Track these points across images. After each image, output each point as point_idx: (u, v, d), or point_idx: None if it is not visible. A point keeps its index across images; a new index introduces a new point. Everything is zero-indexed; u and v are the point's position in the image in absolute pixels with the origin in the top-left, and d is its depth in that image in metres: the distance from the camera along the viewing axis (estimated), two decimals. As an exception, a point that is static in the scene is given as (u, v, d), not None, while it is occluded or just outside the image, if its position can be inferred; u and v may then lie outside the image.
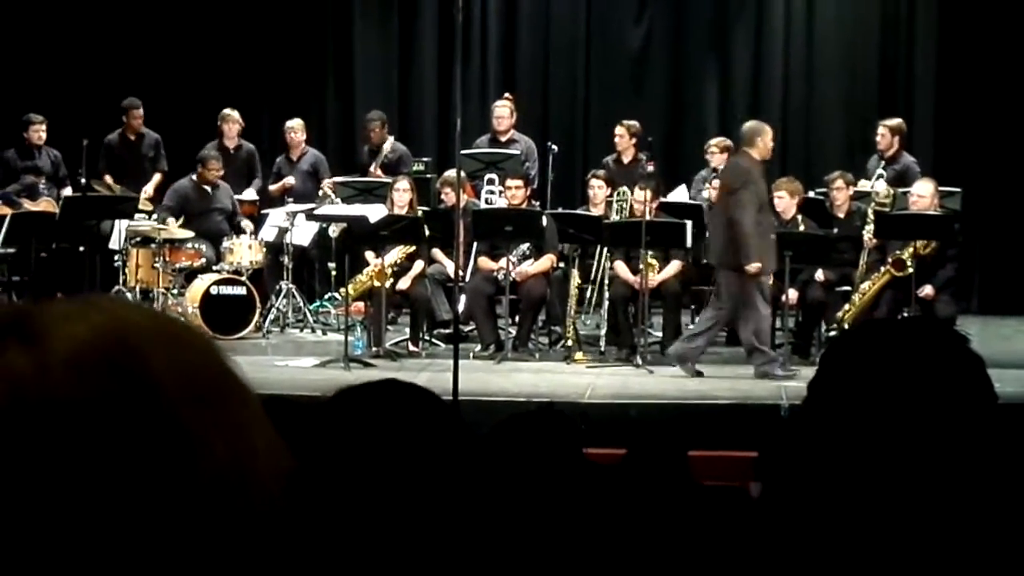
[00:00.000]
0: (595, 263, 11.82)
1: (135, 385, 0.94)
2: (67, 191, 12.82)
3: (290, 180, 13.34)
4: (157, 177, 13.50)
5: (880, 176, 12.29)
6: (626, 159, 12.77)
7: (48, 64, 14.63)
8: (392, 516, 1.88)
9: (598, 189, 12.01)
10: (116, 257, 12.14)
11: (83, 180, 12.78)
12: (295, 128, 13.64)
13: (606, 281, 11.37)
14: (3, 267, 12.15)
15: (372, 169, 13.12)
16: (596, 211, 11.85)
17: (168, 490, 0.93)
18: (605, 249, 11.56)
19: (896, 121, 12.80)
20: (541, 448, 3.13)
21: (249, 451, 0.98)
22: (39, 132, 13.23)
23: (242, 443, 0.98)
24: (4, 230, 11.65)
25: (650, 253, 10.98)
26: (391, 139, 13.56)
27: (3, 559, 0.88)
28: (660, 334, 11.39)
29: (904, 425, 1.68)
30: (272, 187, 13.49)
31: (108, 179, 13.44)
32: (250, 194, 13.40)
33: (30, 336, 0.94)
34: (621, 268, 11.19)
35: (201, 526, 0.93)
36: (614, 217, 11.77)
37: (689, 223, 11.07)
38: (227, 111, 13.56)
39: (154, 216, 12.43)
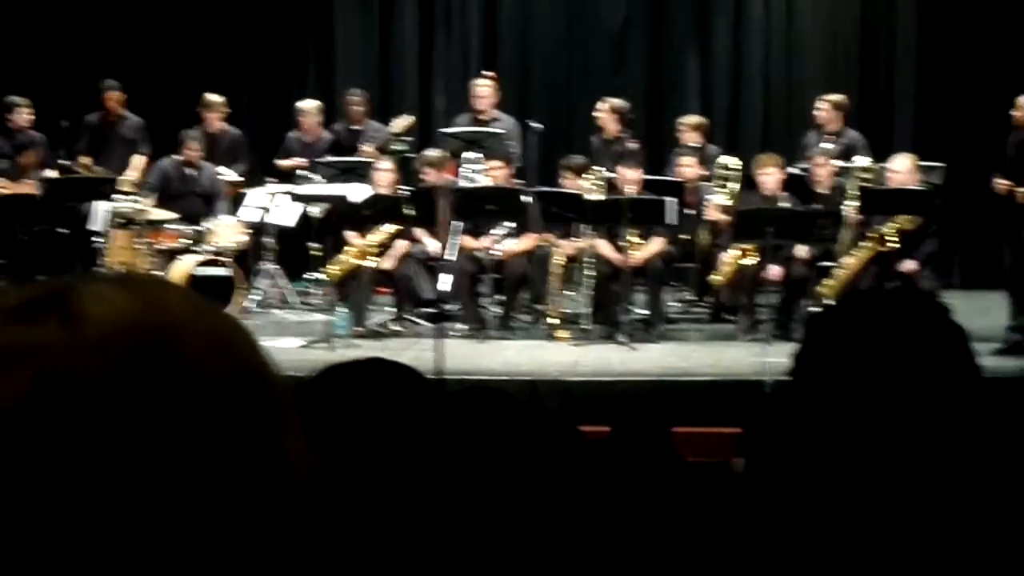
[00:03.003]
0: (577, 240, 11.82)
1: (166, 370, 0.92)
2: (52, 173, 12.76)
3: (302, 160, 13.21)
4: (141, 160, 13.41)
5: (824, 152, 12.23)
6: (607, 136, 12.76)
7: (28, 46, 14.57)
8: (379, 495, 1.88)
9: (568, 181, 11.97)
10: (96, 238, 12.10)
11: (60, 162, 12.77)
12: (308, 111, 13.52)
13: (589, 259, 11.37)
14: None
15: (366, 149, 13.03)
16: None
17: (191, 481, 0.91)
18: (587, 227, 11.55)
19: (839, 97, 12.84)
20: (528, 422, 3.13)
21: (282, 449, 0.96)
22: (23, 115, 13.17)
23: (275, 440, 0.96)
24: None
25: (632, 231, 11.00)
26: (368, 119, 13.54)
27: (15, 530, 0.88)
28: (643, 311, 11.40)
29: (888, 396, 1.68)
30: (281, 162, 13.40)
31: (86, 160, 13.38)
32: (233, 176, 13.33)
33: (66, 312, 0.92)
34: (603, 246, 11.19)
35: (226, 525, 0.92)
36: (593, 196, 11.72)
37: (672, 200, 11.06)
38: (208, 96, 13.47)
39: (134, 196, 12.38)
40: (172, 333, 0.94)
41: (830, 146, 12.24)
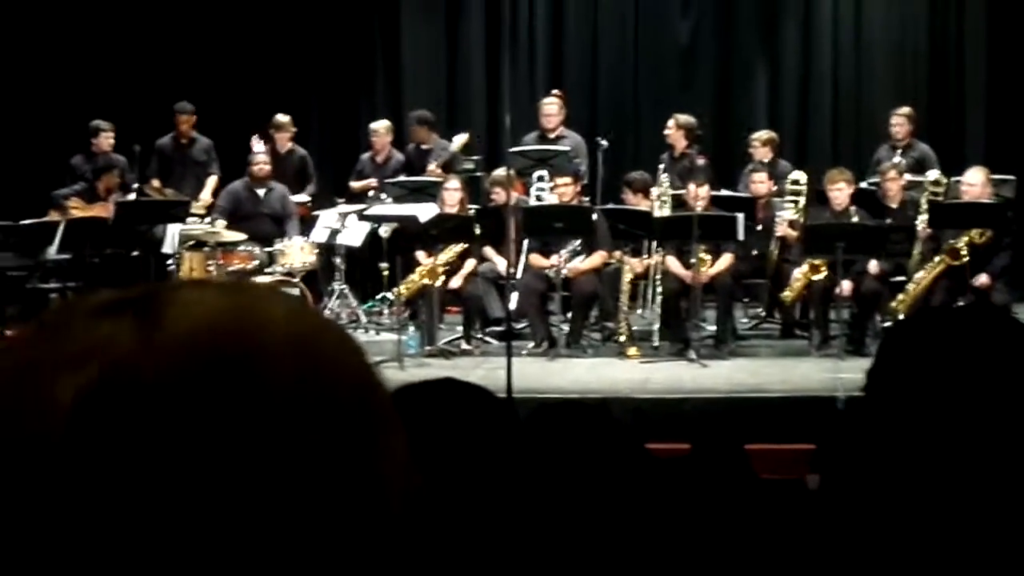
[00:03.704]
0: (647, 258, 11.79)
1: (244, 377, 0.89)
2: (131, 196, 12.90)
3: (372, 181, 13.30)
4: (212, 181, 13.57)
5: (895, 166, 12.17)
6: (676, 152, 12.74)
7: (103, 70, 14.74)
8: (454, 515, 1.88)
9: (629, 197, 11.97)
10: (169, 261, 12.21)
11: (134, 185, 12.91)
12: (378, 131, 13.61)
13: (658, 276, 11.35)
14: (57, 273, 12.22)
15: (432, 168, 13.07)
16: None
17: (259, 493, 0.88)
18: (656, 244, 11.52)
19: (909, 109, 12.80)
20: (599, 442, 3.13)
21: (378, 462, 0.93)
22: (108, 139, 13.39)
23: (370, 453, 0.93)
24: (59, 237, 11.76)
25: (701, 247, 10.97)
26: (435, 137, 13.56)
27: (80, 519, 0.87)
28: (713, 328, 11.36)
29: (964, 413, 1.67)
30: (355, 184, 13.48)
31: (156, 183, 13.53)
32: (303, 197, 13.42)
33: (147, 313, 0.90)
34: (672, 263, 11.16)
35: (303, 541, 0.89)
36: (658, 213, 11.68)
37: (741, 216, 11.03)
38: (278, 117, 13.60)
39: (207, 219, 12.50)
40: (258, 340, 0.91)
41: (900, 160, 12.18)
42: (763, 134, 13.01)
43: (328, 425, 0.91)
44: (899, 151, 12.57)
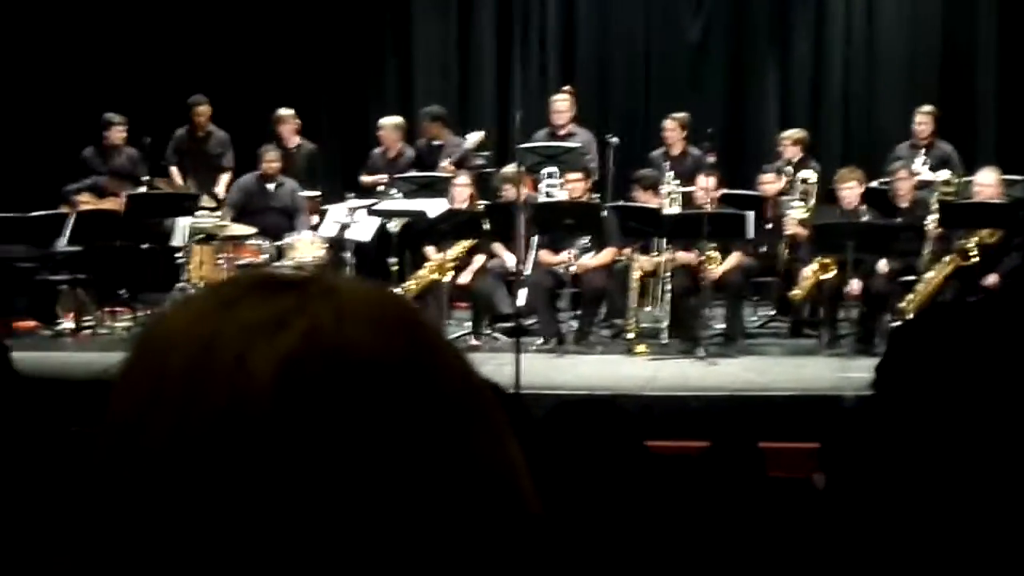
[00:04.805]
0: (656, 255, 11.78)
1: (428, 356, 0.93)
2: (142, 190, 12.90)
3: (383, 176, 13.26)
4: (226, 176, 13.56)
5: (925, 164, 12.18)
6: (675, 151, 12.70)
7: (114, 63, 14.74)
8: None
9: (639, 194, 11.96)
10: (178, 254, 12.21)
11: (144, 178, 12.93)
12: (386, 126, 13.56)
13: (667, 273, 11.33)
14: (67, 265, 12.23)
15: (444, 165, 13.01)
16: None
17: (437, 480, 0.91)
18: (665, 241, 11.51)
19: (932, 108, 12.76)
20: (602, 438, 3.12)
21: (513, 464, 0.96)
22: (119, 132, 13.35)
23: (507, 460, 0.96)
24: (69, 229, 11.77)
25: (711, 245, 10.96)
26: (448, 134, 13.54)
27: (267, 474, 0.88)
28: (722, 326, 11.35)
29: (974, 411, 1.66)
30: (365, 179, 13.44)
31: (175, 171, 13.53)
32: (312, 193, 13.39)
33: (328, 291, 0.94)
34: (683, 255, 11.17)
35: (461, 528, 0.91)
36: (668, 210, 11.66)
37: (751, 214, 11.01)
38: (281, 111, 13.56)
39: (218, 212, 12.51)
40: (421, 319, 0.96)
41: (925, 158, 12.15)
42: (794, 133, 12.88)
43: (473, 406, 0.95)
44: (921, 150, 12.52)
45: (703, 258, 10.96)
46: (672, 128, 12.79)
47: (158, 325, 0.95)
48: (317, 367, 0.89)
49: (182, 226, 12.27)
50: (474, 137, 13.34)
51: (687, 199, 11.68)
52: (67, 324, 12.00)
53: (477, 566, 0.91)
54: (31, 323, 12.11)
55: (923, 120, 12.67)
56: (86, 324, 11.99)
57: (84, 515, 0.92)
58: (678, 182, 11.89)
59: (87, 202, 12.62)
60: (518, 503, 0.95)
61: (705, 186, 11.22)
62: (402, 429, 0.90)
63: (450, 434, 0.92)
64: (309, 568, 0.87)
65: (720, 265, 11.12)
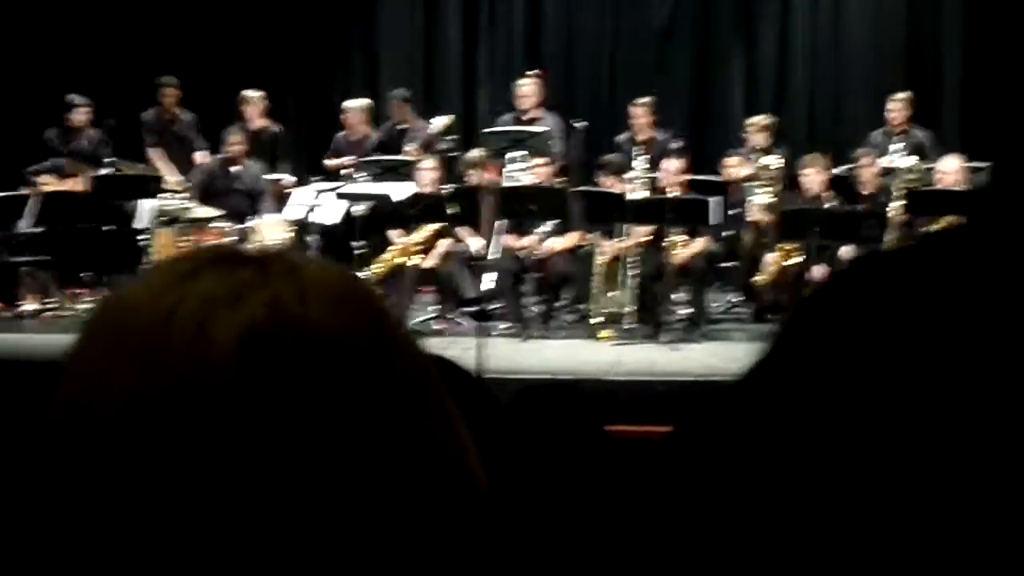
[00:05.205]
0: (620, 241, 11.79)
1: (387, 338, 0.94)
2: (104, 171, 12.81)
3: (348, 159, 13.18)
4: (200, 157, 13.42)
5: (900, 151, 12.21)
6: (641, 136, 12.70)
7: (77, 42, 14.65)
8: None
9: (605, 180, 11.96)
10: (142, 236, 12.15)
11: (106, 159, 12.85)
12: (350, 109, 13.49)
13: (631, 259, 11.34)
14: (29, 247, 12.15)
15: (409, 149, 12.95)
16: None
17: (390, 456, 0.92)
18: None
19: (907, 94, 12.76)
20: (562, 422, 3.13)
21: (463, 444, 0.97)
22: (83, 113, 13.23)
23: (458, 440, 0.97)
24: (31, 210, 11.70)
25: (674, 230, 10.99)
26: (415, 118, 13.50)
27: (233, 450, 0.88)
28: (687, 311, 11.38)
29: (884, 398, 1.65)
30: (329, 162, 13.38)
31: (154, 154, 13.42)
32: (279, 176, 13.32)
33: (290, 268, 0.94)
34: (640, 229, 11.17)
35: (412, 504, 0.92)
36: (633, 195, 11.66)
37: (714, 200, 11.04)
38: (247, 92, 13.49)
39: (184, 195, 12.46)
40: (376, 296, 0.97)
41: (900, 145, 12.19)
42: (761, 119, 12.87)
43: (425, 390, 0.96)
44: (895, 137, 12.54)
45: (665, 245, 10.96)
46: (638, 113, 12.79)
47: (116, 298, 0.95)
48: (279, 339, 0.89)
49: (147, 208, 12.21)
50: (440, 121, 13.31)
51: (655, 184, 11.69)
52: (29, 306, 11.94)
53: (427, 540, 0.92)
54: (-8, 305, 12.05)
55: (896, 107, 12.66)
56: (48, 306, 11.94)
57: (38, 491, 0.92)
58: (648, 167, 11.89)
59: (48, 183, 12.52)
60: (467, 481, 0.96)
61: (668, 168, 11.23)
62: (360, 406, 0.90)
63: (404, 414, 0.93)
64: (265, 536, 0.88)
65: (685, 250, 11.14)
